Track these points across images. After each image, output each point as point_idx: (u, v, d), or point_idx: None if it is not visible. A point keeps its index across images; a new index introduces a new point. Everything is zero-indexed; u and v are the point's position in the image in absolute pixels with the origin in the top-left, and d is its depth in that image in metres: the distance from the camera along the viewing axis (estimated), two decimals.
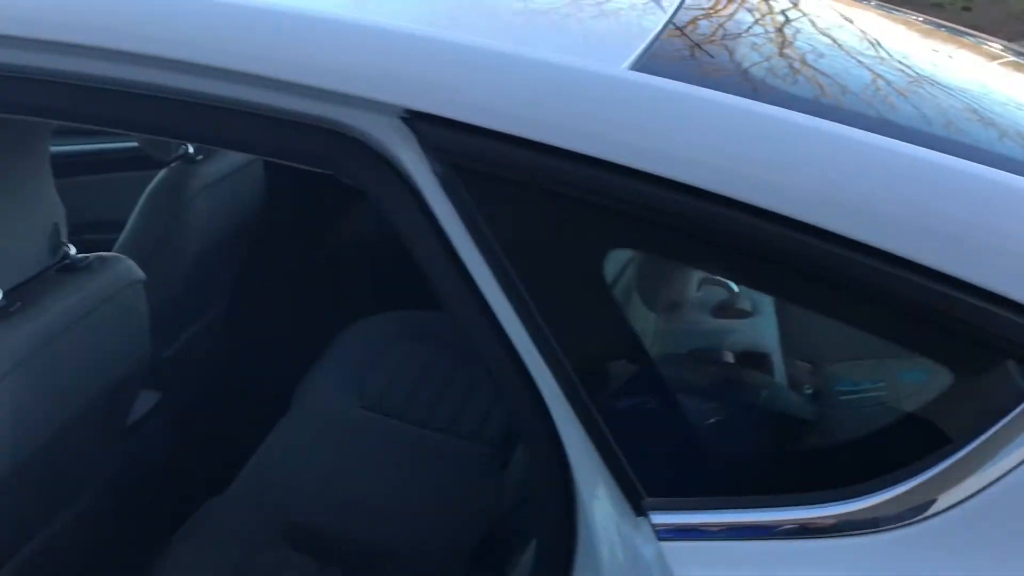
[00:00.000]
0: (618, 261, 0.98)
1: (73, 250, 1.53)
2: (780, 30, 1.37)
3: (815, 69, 1.21)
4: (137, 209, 2.06)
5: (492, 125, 0.91)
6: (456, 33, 0.99)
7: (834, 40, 1.38)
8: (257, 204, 2.33)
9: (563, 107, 0.91)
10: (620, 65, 0.98)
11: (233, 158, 2.21)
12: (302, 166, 1.03)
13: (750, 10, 1.43)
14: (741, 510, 0.89)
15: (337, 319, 2.45)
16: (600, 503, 0.94)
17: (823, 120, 0.91)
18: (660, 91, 0.93)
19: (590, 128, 0.90)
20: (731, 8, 1.41)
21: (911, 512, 0.83)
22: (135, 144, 2.11)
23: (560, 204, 0.92)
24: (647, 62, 1.01)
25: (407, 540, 1.82)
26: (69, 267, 1.53)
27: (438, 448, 2.08)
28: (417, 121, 0.93)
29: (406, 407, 2.19)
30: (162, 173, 2.08)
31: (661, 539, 0.89)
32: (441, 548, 1.80)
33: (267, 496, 1.84)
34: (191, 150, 2.09)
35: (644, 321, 0.98)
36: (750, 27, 1.35)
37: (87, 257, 1.56)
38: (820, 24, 1.44)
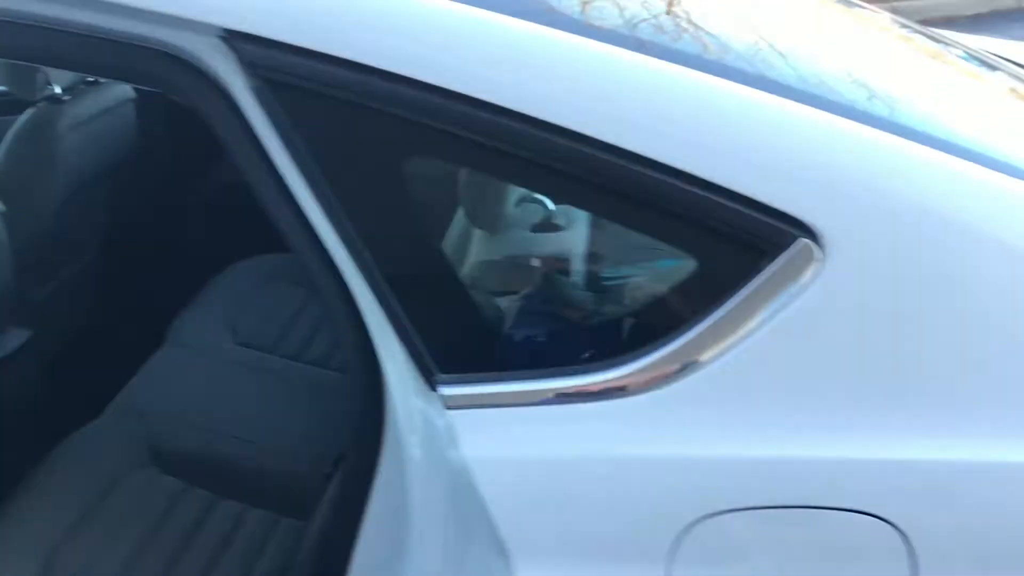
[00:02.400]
0: (422, 170, 1.08)
1: None
2: None
3: None
4: (4, 147, 2.08)
5: (303, 43, 1.01)
6: None
7: None
8: (128, 146, 2.37)
9: (375, 30, 1.01)
10: None
11: (101, 99, 2.25)
12: (144, 87, 1.11)
13: None
14: (515, 381, 1.01)
15: (210, 262, 2.51)
16: (400, 381, 1.06)
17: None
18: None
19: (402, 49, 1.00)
20: None
21: (659, 379, 0.97)
22: (3, 88, 2.13)
23: (364, 116, 1.02)
24: None
25: (273, 460, 1.90)
26: None
27: (307, 378, 2.16)
28: (235, 40, 1.02)
29: (278, 343, 2.27)
30: (28, 113, 2.11)
31: (449, 408, 1.01)
32: (305, 468, 1.89)
33: (135, 424, 1.90)
34: (58, 90, 2.12)
35: (447, 223, 1.09)
36: None
37: None
38: None
